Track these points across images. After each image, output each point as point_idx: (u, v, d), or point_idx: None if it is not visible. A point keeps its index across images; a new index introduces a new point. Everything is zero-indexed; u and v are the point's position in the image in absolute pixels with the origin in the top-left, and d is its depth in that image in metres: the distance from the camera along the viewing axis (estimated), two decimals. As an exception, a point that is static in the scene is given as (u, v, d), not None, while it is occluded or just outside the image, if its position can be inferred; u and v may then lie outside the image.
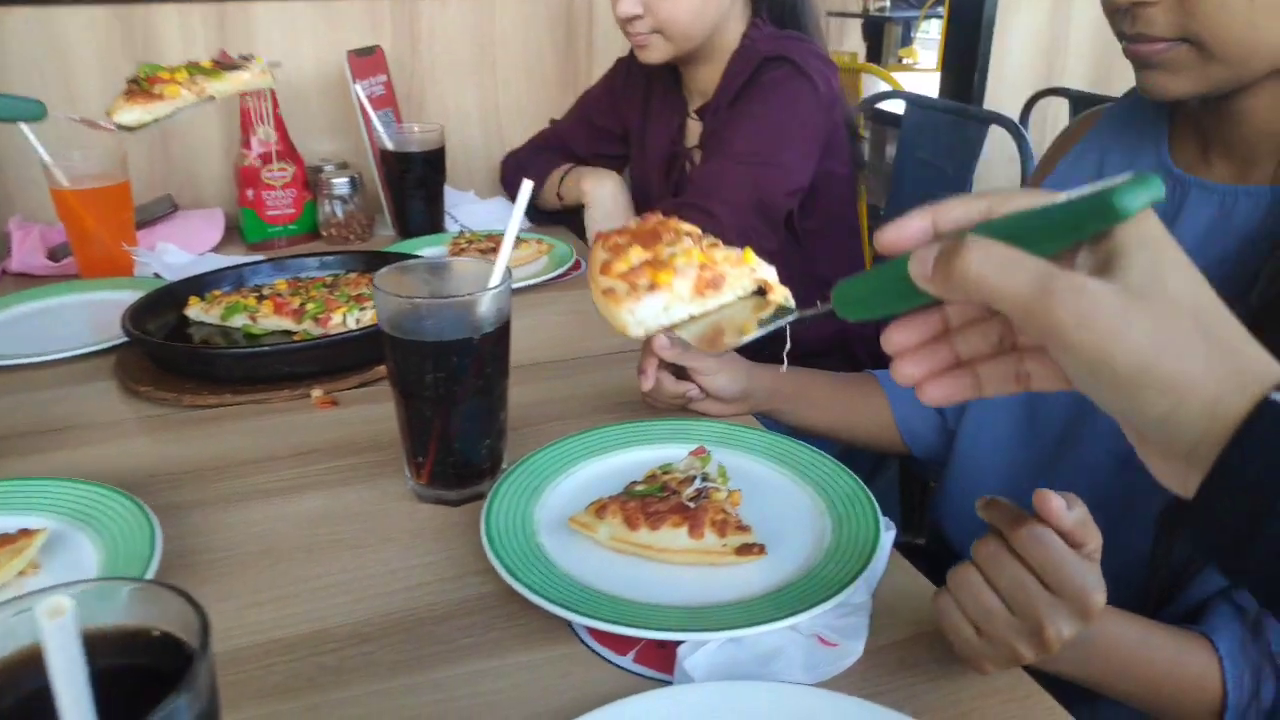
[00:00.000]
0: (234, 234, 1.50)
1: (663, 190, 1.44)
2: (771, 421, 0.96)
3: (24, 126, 1.24)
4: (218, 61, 1.19)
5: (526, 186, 0.74)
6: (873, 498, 0.71)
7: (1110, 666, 0.60)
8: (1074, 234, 0.38)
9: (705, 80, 1.33)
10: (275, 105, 1.43)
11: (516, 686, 0.58)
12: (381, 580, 0.68)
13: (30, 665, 0.36)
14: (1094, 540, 0.51)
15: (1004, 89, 2.29)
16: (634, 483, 0.73)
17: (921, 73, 3.76)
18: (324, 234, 1.50)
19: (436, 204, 1.49)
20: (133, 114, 1.10)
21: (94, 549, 0.68)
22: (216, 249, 1.45)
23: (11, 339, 1.12)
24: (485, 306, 0.72)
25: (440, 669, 0.59)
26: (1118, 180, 0.37)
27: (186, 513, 0.76)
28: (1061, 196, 0.39)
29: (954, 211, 0.42)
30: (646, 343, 0.83)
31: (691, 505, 0.69)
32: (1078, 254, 0.39)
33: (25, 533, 0.67)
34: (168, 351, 0.98)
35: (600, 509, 0.69)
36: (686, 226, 0.60)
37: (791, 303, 0.56)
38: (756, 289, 0.57)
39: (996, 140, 1.52)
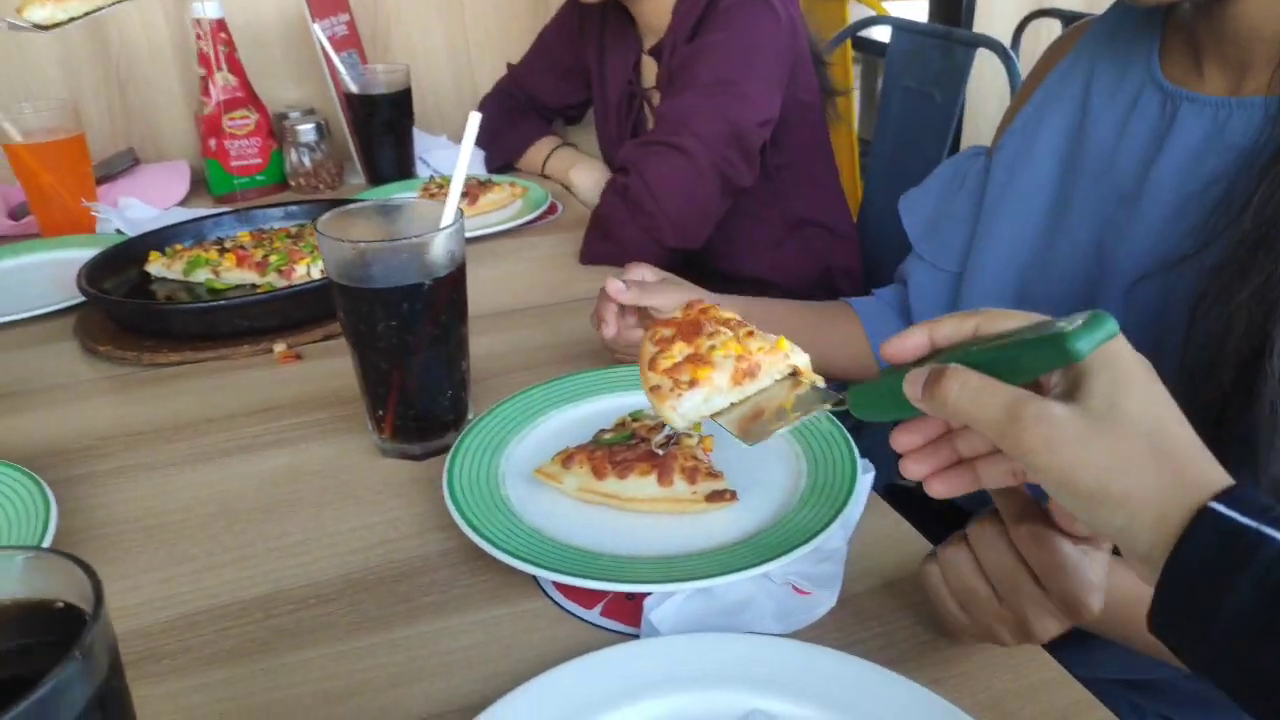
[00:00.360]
0: (200, 187, 1.45)
1: (621, 131, 1.39)
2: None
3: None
4: None
5: (474, 119, 0.70)
6: (849, 438, 0.69)
7: (1117, 619, 0.58)
8: (1039, 371, 0.44)
9: (655, 16, 1.27)
10: (233, 49, 1.37)
11: (480, 644, 0.56)
12: (342, 539, 0.65)
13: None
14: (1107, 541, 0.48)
15: (994, 12, 2.21)
16: (603, 430, 0.71)
17: (910, 2, 3.65)
18: (293, 184, 1.45)
19: (405, 148, 1.44)
20: (42, 11, 1.02)
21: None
22: (182, 203, 1.40)
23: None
24: (437, 249, 0.68)
25: (400, 628, 0.57)
26: (1075, 322, 0.41)
27: (144, 475, 0.74)
28: (1033, 320, 0.45)
29: (946, 328, 0.48)
30: (603, 289, 0.80)
31: (661, 452, 0.66)
32: (1053, 375, 0.44)
33: None
34: (123, 309, 0.95)
35: (567, 459, 0.66)
36: (725, 315, 0.65)
37: (821, 383, 0.59)
38: (790, 371, 0.60)
39: (985, 65, 1.47)
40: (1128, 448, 0.40)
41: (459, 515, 0.62)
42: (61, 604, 0.34)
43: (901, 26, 1.57)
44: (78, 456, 0.77)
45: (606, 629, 0.56)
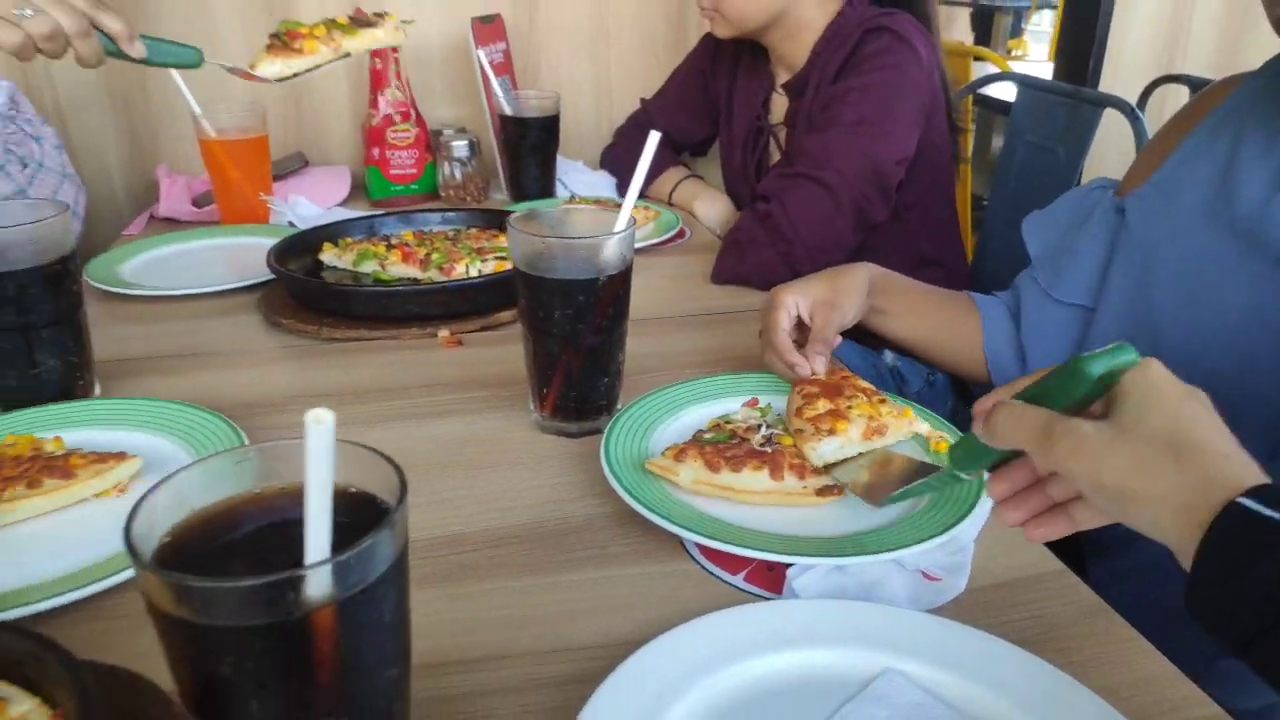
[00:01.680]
0: (359, 191, 1.59)
1: (746, 164, 1.47)
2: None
3: (177, 78, 1.34)
4: (353, 18, 1.25)
5: (654, 138, 0.79)
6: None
7: None
8: (1071, 395, 0.50)
9: (792, 55, 1.35)
10: (401, 69, 1.50)
11: (636, 593, 0.63)
12: (510, 496, 0.73)
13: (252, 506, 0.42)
14: None
15: (1120, 76, 2.23)
16: (700, 431, 0.77)
17: (1032, 63, 3.67)
18: (442, 194, 1.57)
19: (549, 170, 1.55)
20: (274, 67, 1.17)
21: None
22: (343, 204, 1.54)
23: (160, 274, 1.23)
24: (610, 250, 0.76)
25: (566, 574, 0.64)
26: (1097, 351, 0.49)
27: (330, 430, 0.83)
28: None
29: (1019, 385, 0.55)
30: (778, 354, 0.86)
31: (767, 450, 0.73)
32: (1096, 402, 0.51)
33: (120, 456, 0.71)
34: (310, 287, 1.06)
35: (678, 453, 0.72)
36: (861, 384, 0.80)
37: (941, 459, 0.73)
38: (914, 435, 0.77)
39: (1110, 124, 1.50)
40: (1148, 451, 0.46)
41: (617, 483, 0.69)
42: (354, 489, 0.42)
43: (1028, 84, 1.62)
44: (266, 411, 0.87)
45: (749, 593, 0.63)
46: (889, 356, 1.35)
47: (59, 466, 0.69)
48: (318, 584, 0.34)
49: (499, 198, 1.59)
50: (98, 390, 0.87)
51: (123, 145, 1.64)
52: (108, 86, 1.60)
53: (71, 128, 1.59)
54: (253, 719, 0.37)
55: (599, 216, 0.82)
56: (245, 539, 0.40)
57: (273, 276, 1.10)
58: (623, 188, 1.59)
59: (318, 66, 1.16)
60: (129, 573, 0.61)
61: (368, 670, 0.38)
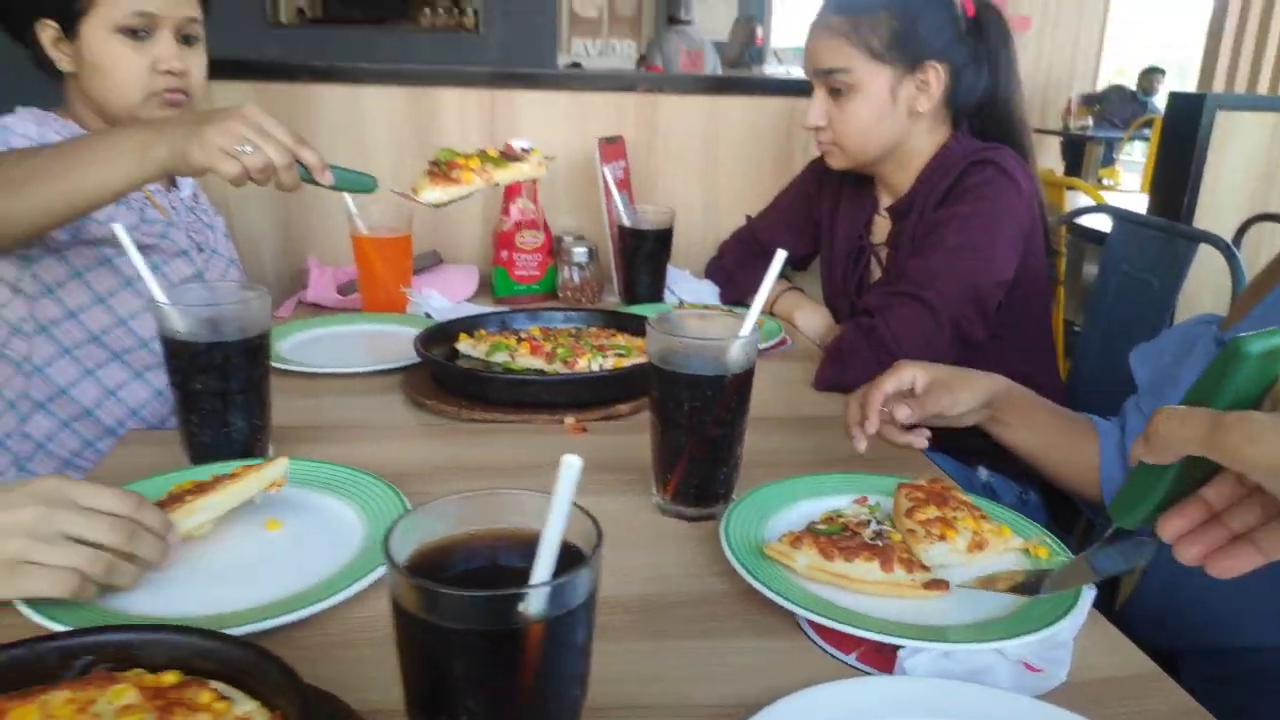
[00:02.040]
0: (485, 288, 1.73)
1: (847, 280, 1.56)
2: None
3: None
4: (503, 153, 1.40)
5: (780, 256, 0.88)
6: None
7: None
8: (1233, 376, 0.49)
9: (897, 181, 1.45)
10: (533, 183, 1.66)
11: (753, 664, 0.69)
12: (635, 569, 0.81)
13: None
14: None
15: (1215, 211, 2.28)
16: (814, 523, 0.83)
17: (1124, 193, 3.72)
18: (560, 295, 1.70)
19: (660, 277, 1.66)
20: (434, 194, 1.31)
21: (357, 520, 0.84)
22: (470, 299, 1.68)
23: (309, 353, 1.36)
24: (736, 351, 0.85)
25: (686, 640, 0.71)
26: (1252, 334, 0.49)
27: (471, 499, 0.93)
28: None
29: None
30: (861, 402, 0.94)
31: (878, 543, 0.79)
32: (1263, 404, 0.50)
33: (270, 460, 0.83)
34: (454, 373, 1.17)
35: (794, 540, 0.79)
36: (963, 497, 0.87)
37: (1042, 563, 0.80)
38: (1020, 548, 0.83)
39: (1207, 260, 1.55)
40: None
41: (737, 562, 0.76)
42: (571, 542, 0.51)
43: (1123, 217, 1.68)
44: (414, 480, 0.96)
45: (862, 670, 0.68)
46: (983, 473, 1.40)
47: (225, 477, 0.80)
48: (538, 601, 0.42)
49: (612, 300, 1.71)
50: (271, 451, 0.99)
51: (278, 237, 1.83)
52: (269, 191, 1.80)
53: (236, 219, 1.79)
54: (468, 714, 0.44)
55: (725, 321, 0.91)
56: (464, 565, 0.48)
57: (416, 360, 1.22)
58: (725, 296, 1.70)
59: (470, 195, 1.31)
60: (319, 606, 0.70)
61: (561, 683, 0.46)
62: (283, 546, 0.81)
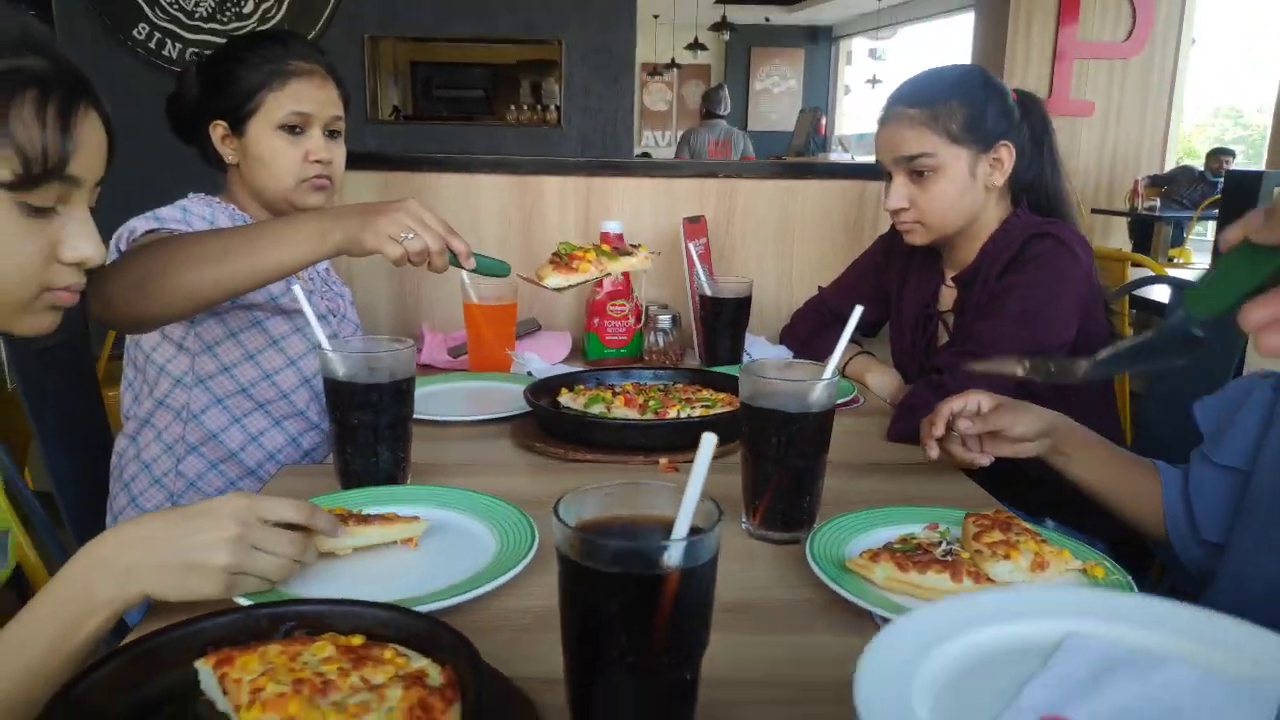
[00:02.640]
0: (577, 352, 1.89)
1: (915, 345, 1.67)
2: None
3: (457, 257, 1.70)
4: (615, 247, 1.57)
5: (857, 311, 1.01)
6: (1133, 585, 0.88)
7: None
8: None
9: (963, 253, 1.58)
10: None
11: (838, 655, 0.78)
12: (729, 580, 0.90)
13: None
14: None
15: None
16: (890, 543, 0.94)
17: (1195, 270, 3.75)
18: (645, 358, 1.84)
19: (738, 342, 1.80)
20: (556, 280, 1.48)
21: (487, 533, 0.98)
22: (564, 360, 1.83)
23: (426, 406, 1.51)
24: (819, 392, 0.98)
25: (780, 635, 0.82)
26: None
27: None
28: None
29: None
30: (932, 420, 1.06)
31: (948, 559, 0.89)
32: None
33: (415, 519, 0.94)
34: (563, 419, 1.32)
35: (873, 556, 0.89)
36: (1026, 525, 0.95)
37: (1099, 583, 0.89)
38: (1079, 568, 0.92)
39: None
40: None
41: (821, 573, 0.87)
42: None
43: (1180, 285, 1.77)
44: (529, 506, 1.10)
45: (933, 662, 0.78)
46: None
47: (371, 519, 0.94)
48: (677, 552, 0.55)
49: (692, 363, 1.84)
50: (409, 480, 1.14)
51: (393, 305, 2.03)
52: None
53: (357, 289, 1.99)
54: (616, 647, 0.57)
55: (808, 367, 1.04)
56: (613, 533, 0.61)
57: (524, 410, 1.37)
58: (799, 359, 1.82)
59: (585, 282, 1.48)
60: (472, 593, 0.83)
61: (689, 627, 0.58)
62: (423, 556, 0.94)
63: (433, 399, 1.57)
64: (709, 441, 0.56)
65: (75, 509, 1.52)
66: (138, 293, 1.14)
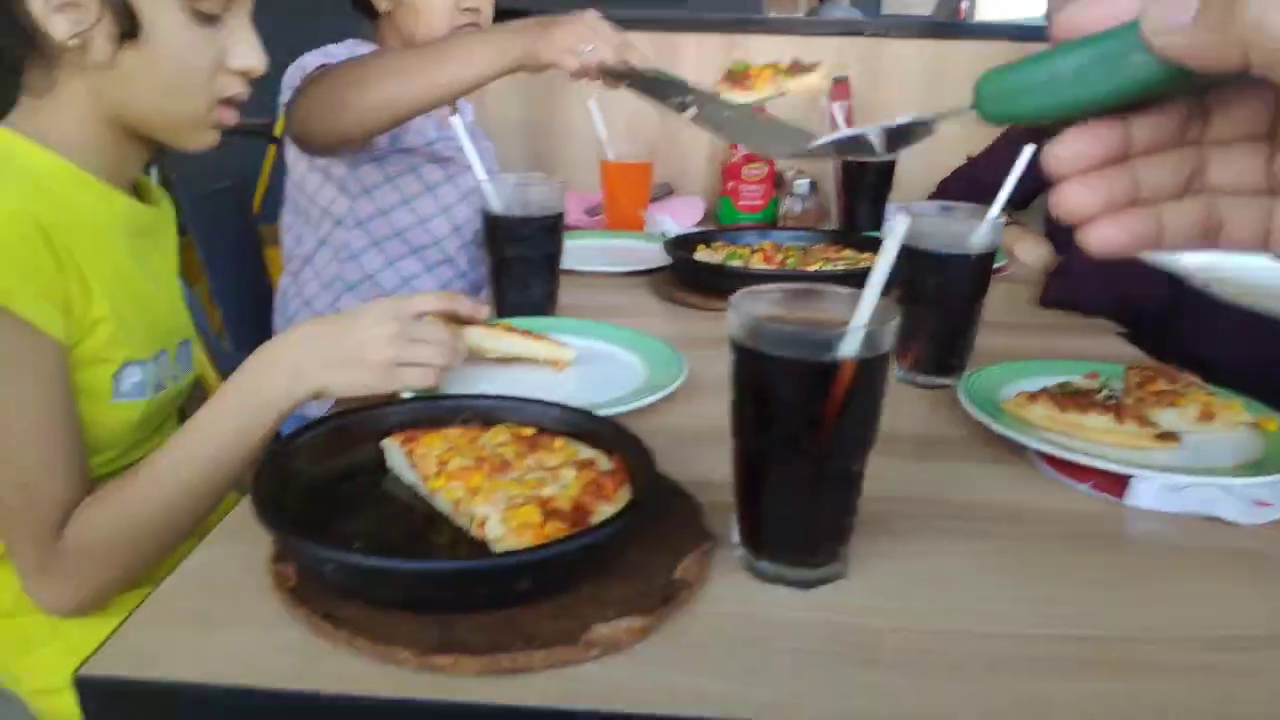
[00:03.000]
0: (709, 218, 1.87)
1: None
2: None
3: (595, 113, 1.69)
4: (792, 65, 1.52)
5: (1028, 150, 0.96)
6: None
7: None
8: None
9: None
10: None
11: (996, 483, 0.78)
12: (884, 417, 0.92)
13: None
14: None
15: None
16: (1046, 388, 0.90)
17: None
18: (780, 225, 1.81)
19: (880, 208, 1.74)
20: (731, 97, 1.44)
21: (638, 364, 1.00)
22: (696, 226, 1.82)
23: (567, 259, 1.54)
24: (983, 233, 0.95)
25: (936, 463, 0.82)
26: None
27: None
28: None
29: None
30: None
31: (1111, 402, 0.86)
32: None
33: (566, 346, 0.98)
34: (706, 268, 1.32)
35: (1031, 397, 0.87)
36: (1191, 378, 0.92)
37: (1272, 437, 0.83)
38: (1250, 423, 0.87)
39: None
40: None
41: (975, 409, 0.86)
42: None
43: None
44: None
45: (1095, 496, 0.77)
46: None
47: (523, 332, 0.97)
48: (853, 342, 0.55)
49: (829, 228, 1.80)
50: (557, 312, 1.17)
51: (530, 165, 2.05)
52: (524, 119, 2.02)
53: (497, 146, 2.02)
54: (783, 431, 0.58)
55: (974, 209, 1.00)
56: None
57: (661, 265, 1.38)
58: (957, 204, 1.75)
59: (761, 101, 1.43)
60: (633, 405, 0.86)
61: (858, 422, 0.58)
62: (571, 378, 0.97)
63: (571, 254, 1.59)
64: (901, 224, 0.55)
65: (245, 341, 1.64)
66: (338, 108, 1.19)
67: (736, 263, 1.41)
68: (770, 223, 1.83)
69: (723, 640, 0.55)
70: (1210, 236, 0.37)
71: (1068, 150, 0.36)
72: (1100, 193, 0.36)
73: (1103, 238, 0.36)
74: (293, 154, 1.49)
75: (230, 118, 0.94)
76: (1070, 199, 0.37)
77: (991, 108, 0.38)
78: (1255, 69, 0.30)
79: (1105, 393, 0.89)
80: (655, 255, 1.54)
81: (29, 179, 0.84)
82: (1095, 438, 0.83)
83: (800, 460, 0.58)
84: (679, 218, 1.81)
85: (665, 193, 1.93)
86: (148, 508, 0.81)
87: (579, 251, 1.60)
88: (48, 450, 0.80)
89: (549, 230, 1.10)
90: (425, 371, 0.85)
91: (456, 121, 1.09)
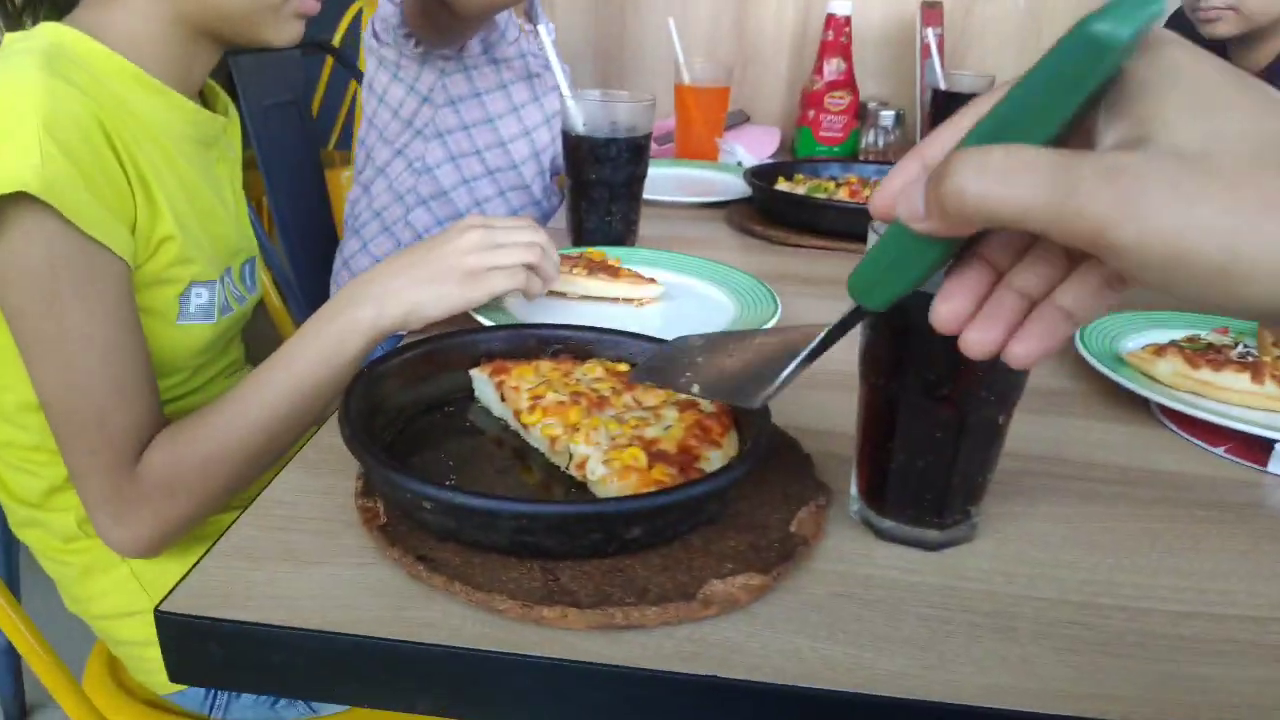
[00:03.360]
0: (785, 149, 1.79)
1: None
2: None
3: (673, 31, 1.60)
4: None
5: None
6: None
7: None
8: (1066, 98, 0.31)
9: (1261, 53, 1.35)
10: (848, 41, 1.68)
11: (1113, 442, 0.72)
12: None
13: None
14: None
15: None
16: (1174, 340, 0.83)
17: None
18: (861, 159, 1.73)
19: (969, 144, 1.65)
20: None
21: (728, 301, 0.94)
22: (771, 157, 1.74)
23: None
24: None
25: (1060, 419, 0.76)
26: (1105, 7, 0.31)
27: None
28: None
29: (942, 138, 0.37)
30: None
31: (1247, 359, 0.78)
32: (1095, 126, 0.32)
33: (652, 280, 0.92)
34: (790, 200, 1.25)
35: (1158, 350, 0.80)
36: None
37: None
38: None
39: None
40: (1249, 184, 0.28)
41: (1093, 358, 0.79)
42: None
43: None
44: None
45: (1232, 462, 0.70)
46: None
47: (608, 268, 0.92)
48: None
49: (913, 166, 1.71)
50: (637, 243, 1.11)
51: (600, 87, 1.97)
52: (594, 44, 1.94)
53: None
54: (925, 375, 0.52)
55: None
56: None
57: (739, 197, 1.31)
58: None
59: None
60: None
61: (1008, 370, 0.52)
62: (658, 314, 0.92)
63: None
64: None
65: (301, 263, 1.61)
66: None
67: (819, 196, 1.34)
68: (850, 157, 1.74)
69: (846, 603, 0.51)
70: (1115, 289, 0.36)
71: (948, 309, 0.38)
72: (998, 322, 0.37)
73: (1021, 354, 0.37)
74: (374, 64, 1.44)
75: (313, 6, 0.89)
76: (975, 346, 0.37)
77: (868, 301, 0.41)
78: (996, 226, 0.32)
79: (1240, 349, 0.82)
80: (729, 186, 1.47)
81: (94, 80, 0.79)
82: (1230, 399, 0.77)
83: (942, 409, 0.52)
84: (753, 148, 1.73)
85: (740, 120, 1.84)
86: (232, 438, 0.78)
87: (652, 181, 1.53)
88: (120, 378, 0.77)
89: (635, 152, 1.04)
90: (512, 272, 0.79)
91: (544, 31, 1.03)
